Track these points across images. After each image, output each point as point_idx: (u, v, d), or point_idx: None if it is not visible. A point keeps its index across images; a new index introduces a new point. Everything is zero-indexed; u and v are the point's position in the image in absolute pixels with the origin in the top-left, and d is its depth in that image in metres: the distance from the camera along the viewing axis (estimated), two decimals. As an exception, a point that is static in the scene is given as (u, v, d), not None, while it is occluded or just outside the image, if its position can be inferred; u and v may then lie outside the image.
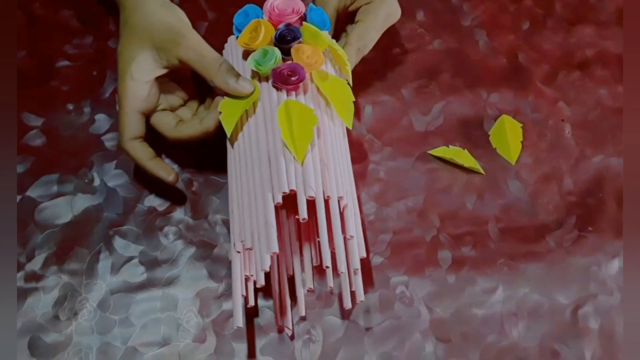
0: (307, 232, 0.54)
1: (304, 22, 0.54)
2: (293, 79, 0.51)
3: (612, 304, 0.56)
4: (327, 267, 0.48)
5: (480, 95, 0.65)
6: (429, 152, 0.61)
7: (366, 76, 0.64)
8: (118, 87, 0.53)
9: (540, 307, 0.56)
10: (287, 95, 0.52)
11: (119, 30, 0.55)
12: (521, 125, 0.63)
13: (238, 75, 0.52)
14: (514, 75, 0.66)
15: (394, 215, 0.58)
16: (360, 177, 0.60)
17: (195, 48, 0.52)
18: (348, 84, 0.55)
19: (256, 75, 0.53)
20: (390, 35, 0.65)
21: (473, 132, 0.63)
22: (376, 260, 0.56)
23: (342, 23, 0.62)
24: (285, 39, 0.53)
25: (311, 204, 0.49)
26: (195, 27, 0.54)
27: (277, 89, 0.52)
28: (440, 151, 0.61)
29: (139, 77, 0.53)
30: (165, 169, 0.54)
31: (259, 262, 0.48)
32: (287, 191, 0.48)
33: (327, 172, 0.50)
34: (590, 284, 0.57)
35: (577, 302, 0.56)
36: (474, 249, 0.58)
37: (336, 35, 0.61)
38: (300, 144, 0.49)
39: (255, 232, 0.49)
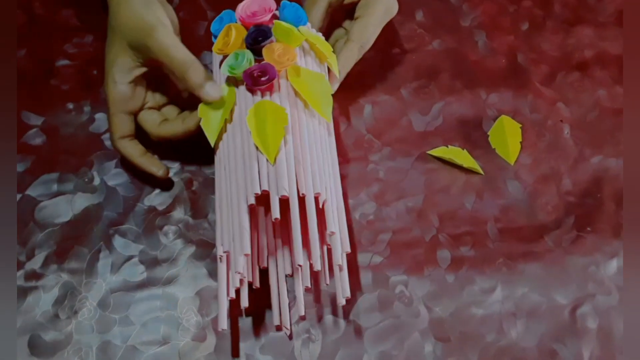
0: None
1: (275, 21, 0.54)
2: (263, 79, 0.51)
3: (611, 304, 0.57)
4: (299, 265, 0.48)
5: (479, 95, 0.65)
6: (428, 152, 0.61)
7: (366, 76, 0.64)
8: (104, 88, 0.54)
9: (539, 307, 0.56)
10: (262, 96, 0.52)
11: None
12: (520, 125, 0.63)
13: (207, 79, 0.52)
14: (513, 75, 0.66)
15: (393, 215, 0.58)
16: (359, 177, 0.60)
17: (163, 50, 0.51)
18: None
19: (232, 80, 0.53)
20: (390, 35, 0.65)
21: (472, 133, 0.63)
22: (375, 259, 0.56)
23: (330, 16, 0.61)
24: (257, 40, 0.52)
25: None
26: (195, 27, 0.54)
27: (251, 91, 0.52)
28: (440, 151, 0.61)
29: (120, 79, 0.53)
30: (156, 164, 0.55)
31: (233, 265, 0.48)
32: (259, 192, 0.48)
33: (301, 169, 0.50)
34: (589, 284, 0.57)
35: (575, 302, 0.56)
36: (473, 249, 0.58)
37: (331, 30, 0.61)
38: (272, 143, 0.49)
39: (231, 235, 0.49)
